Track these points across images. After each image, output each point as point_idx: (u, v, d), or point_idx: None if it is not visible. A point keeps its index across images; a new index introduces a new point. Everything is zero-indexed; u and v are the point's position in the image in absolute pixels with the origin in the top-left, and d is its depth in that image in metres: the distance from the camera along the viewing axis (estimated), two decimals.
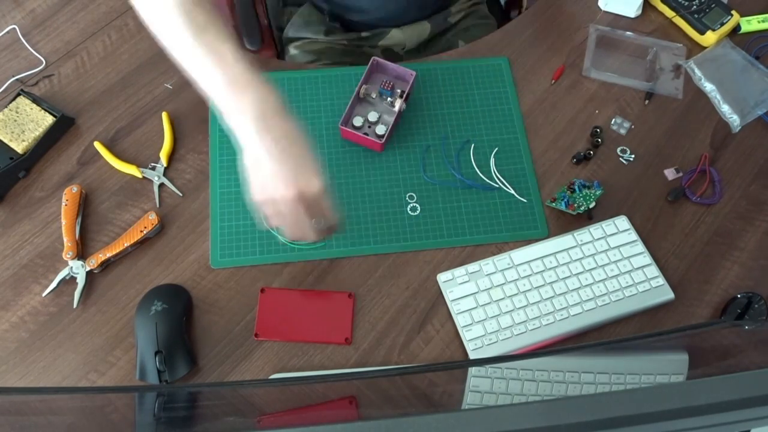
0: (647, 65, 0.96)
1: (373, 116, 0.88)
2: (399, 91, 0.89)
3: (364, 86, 0.89)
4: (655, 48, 0.96)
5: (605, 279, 0.81)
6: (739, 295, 0.81)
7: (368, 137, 0.87)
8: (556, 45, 0.98)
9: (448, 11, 1.11)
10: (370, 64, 0.90)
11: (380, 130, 0.87)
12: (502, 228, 0.85)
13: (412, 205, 0.86)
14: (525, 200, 0.87)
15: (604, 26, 0.98)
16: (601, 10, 1.00)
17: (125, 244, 0.80)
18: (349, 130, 0.87)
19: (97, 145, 0.87)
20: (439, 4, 1.10)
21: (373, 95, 0.90)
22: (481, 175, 0.88)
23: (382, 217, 0.85)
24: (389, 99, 0.89)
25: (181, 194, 0.85)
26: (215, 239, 0.83)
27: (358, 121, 0.88)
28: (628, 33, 0.98)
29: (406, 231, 0.84)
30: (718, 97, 0.94)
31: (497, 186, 0.87)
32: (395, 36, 1.08)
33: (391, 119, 0.88)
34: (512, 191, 0.87)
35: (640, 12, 0.99)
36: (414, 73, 0.89)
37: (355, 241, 0.83)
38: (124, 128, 0.89)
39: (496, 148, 0.90)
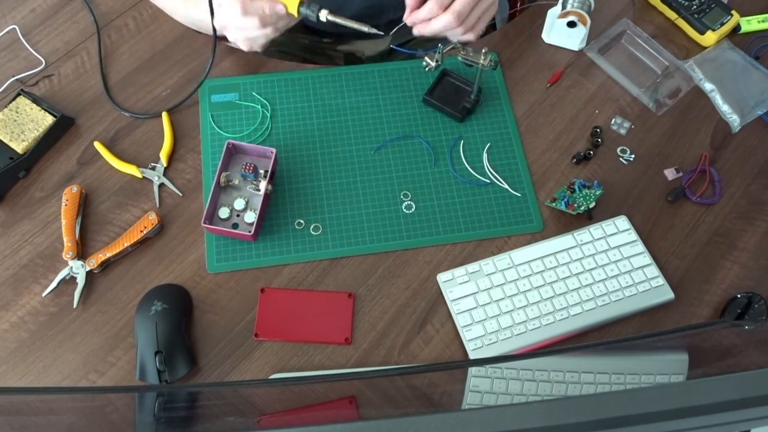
0: (651, 70, 0.96)
1: (239, 204, 0.82)
2: (262, 171, 0.83)
3: (223, 173, 0.83)
4: (660, 53, 0.96)
5: (605, 279, 0.81)
6: (739, 295, 0.81)
7: (236, 231, 0.80)
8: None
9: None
10: (225, 148, 0.83)
11: (249, 217, 0.81)
12: (497, 223, 0.85)
13: (407, 203, 0.86)
14: (519, 194, 0.87)
15: (638, 29, 0.97)
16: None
17: (125, 244, 0.80)
18: (215, 227, 0.80)
19: (97, 145, 0.87)
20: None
21: (236, 181, 0.84)
22: (473, 171, 0.88)
23: (377, 216, 0.85)
24: (253, 182, 0.84)
25: (181, 194, 0.85)
26: (210, 243, 0.83)
27: (224, 212, 0.82)
28: (650, 39, 0.96)
29: (402, 229, 0.84)
30: (718, 97, 0.94)
31: (490, 181, 0.88)
32: (356, 43, 1.09)
33: (259, 202, 0.81)
34: (506, 186, 0.87)
35: (584, 45, 0.97)
36: (274, 150, 0.83)
37: (352, 240, 0.83)
38: (124, 128, 0.89)
39: (489, 144, 0.90)
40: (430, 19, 0.83)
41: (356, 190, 0.86)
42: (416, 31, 0.85)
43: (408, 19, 0.84)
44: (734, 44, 0.97)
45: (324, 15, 0.82)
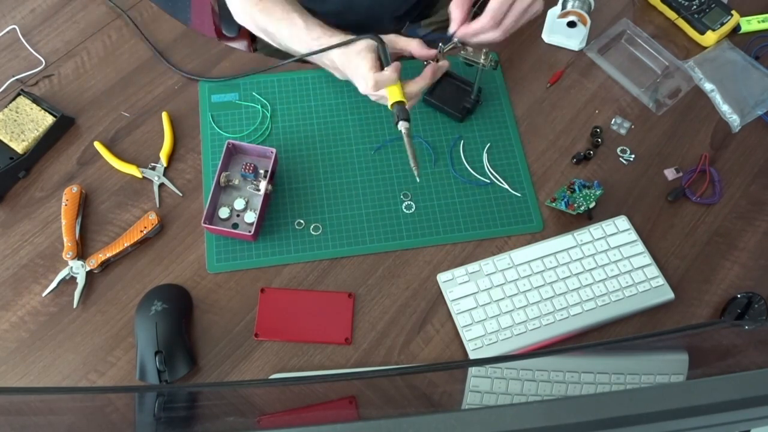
0: (651, 70, 0.96)
1: (239, 204, 0.82)
2: (262, 171, 0.83)
3: (223, 173, 0.83)
4: (660, 53, 0.96)
5: (605, 279, 0.81)
6: (739, 295, 0.81)
7: (236, 231, 0.80)
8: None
9: (418, 24, 1.12)
10: (225, 148, 0.82)
11: (249, 217, 0.81)
12: (497, 223, 0.85)
13: (407, 203, 0.86)
14: (519, 194, 0.87)
15: (638, 29, 0.97)
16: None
17: (125, 244, 0.80)
18: (215, 227, 0.80)
19: (97, 145, 0.87)
20: (411, 18, 1.11)
21: (236, 181, 0.84)
22: (473, 171, 0.88)
23: (377, 216, 0.85)
24: (253, 182, 0.84)
25: (181, 194, 0.85)
26: (210, 243, 0.83)
27: (224, 212, 0.82)
28: (650, 39, 0.96)
29: (402, 229, 0.84)
30: (718, 97, 0.94)
31: (490, 181, 0.88)
32: (354, 39, 1.10)
33: (259, 202, 0.81)
34: (506, 186, 0.87)
35: (584, 45, 0.97)
36: (274, 150, 0.83)
37: (352, 240, 0.83)
38: (124, 128, 0.89)
39: (489, 144, 0.90)
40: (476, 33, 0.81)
41: (356, 190, 0.86)
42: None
43: (458, 33, 0.81)
44: (734, 44, 0.97)
45: (402, 126, 0.76)
